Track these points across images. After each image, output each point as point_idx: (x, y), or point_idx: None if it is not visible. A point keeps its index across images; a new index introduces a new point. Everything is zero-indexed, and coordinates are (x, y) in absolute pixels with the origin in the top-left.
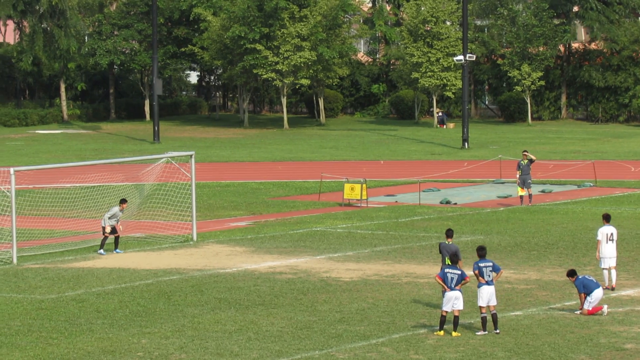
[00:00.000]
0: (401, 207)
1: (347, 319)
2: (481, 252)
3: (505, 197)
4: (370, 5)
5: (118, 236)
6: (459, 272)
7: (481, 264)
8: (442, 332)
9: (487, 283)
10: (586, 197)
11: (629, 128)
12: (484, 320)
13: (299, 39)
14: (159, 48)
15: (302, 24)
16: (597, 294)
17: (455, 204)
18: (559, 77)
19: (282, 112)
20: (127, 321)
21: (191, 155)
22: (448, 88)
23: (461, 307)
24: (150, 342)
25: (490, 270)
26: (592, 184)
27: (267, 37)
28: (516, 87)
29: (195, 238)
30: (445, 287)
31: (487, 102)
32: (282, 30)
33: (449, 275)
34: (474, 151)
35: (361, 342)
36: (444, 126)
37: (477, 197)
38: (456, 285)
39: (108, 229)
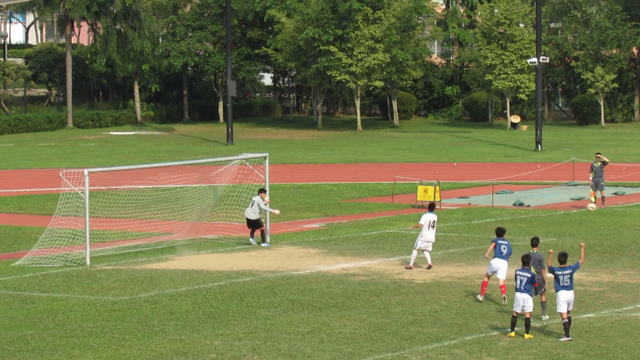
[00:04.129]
0: (474, 209)
1: (420, 321)
2: (561, 258)
3: (578, 200)
4: (443, 7)
5: (263, 230)
6: (529, 275)
7: (558, 271)
8: (513, 334)
9: (565, 287)
10: None
11: None
12: (565, 325)
13: (373, 41)
14: (233, 50)
15: (376, 25)
16: None
17: (529, 206)
18: (632, 80)
19: (356, 113)
20: (199, 323)
21: (265, 157)
22: (521, 90)
23: (531, 310)
24: (223, 343)
25: (568, 277)
26: None
27: (340, 38)
28: (589, 89)
29: (268, 240)
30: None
31: (560, 105)
32: (356, 32)
33: (518, 277)
34: (547, 153)
35: (433, 344)
36: (517, 129)
37: (550, 200)
38: (526, 286)
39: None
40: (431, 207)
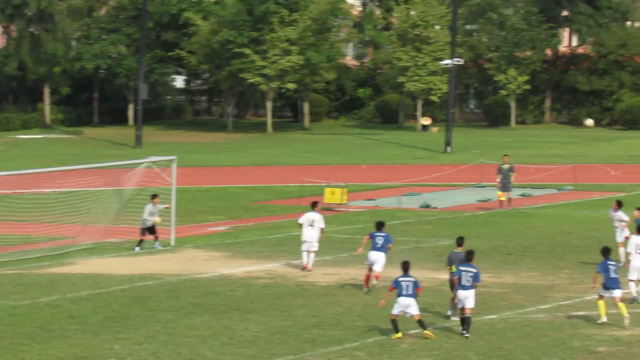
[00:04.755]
0: (381, 211)
1: (322, 324)
2: (468, 256)
3: (485, 201)
4: (360, 9)
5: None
6: (414, 280)
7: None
8: (400, 334)
9: (465, 287)
10: (565, 201)
11: (612, 132)
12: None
13: (288, 43)
14: (147, 52)
15: (292, 28)
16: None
17: (435, 207)
18: (545, 81)
19: (267, 116)
20: (100, 327)
21: (172, 160)
22: (433, 92)
23: (415, 313)
24: (123, 347)
25: (470, 276)
26: (571, 188)
27: (255, 41)
28: (501, 91)
29: (173, 243)
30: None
31: (471, 106)
32: (271, 34)
33: (403, 284)
34: (456, 155)
35: (335, 347)
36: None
37: (457, 201)
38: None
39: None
40: (313, 205)
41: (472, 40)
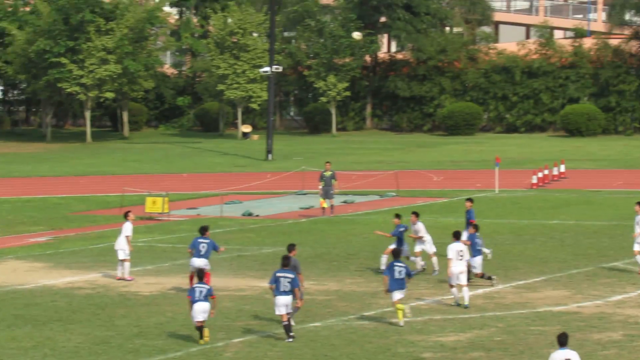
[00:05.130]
0: (203, 220)
1: (145, 333)
2: (284, 261)
3: (307, 209)
4: (177, 17)
5: None
6: (208, 287)
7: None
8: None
9: (284, 293)
10: (388, 207)
11: (433, 137)
12: (286, 327)
13: (105, 52)
14: None
15: (109, 37)
16: None
17: (257, 215)
18: (365, 88)
19: (86, 125)
20: None
21: None
22: (253, 100)
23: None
24: None
25: (288, 282)
26: (394, 194)
27: (72, 50)
28: (321, 98)
29: None
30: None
31: (292, 114)
32: (88, 43)
33: (197, 290)
34: (278, 163)
35: (158, 356)
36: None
37: (279, 209)
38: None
39: None
40: (125, 215)
41: (291, 47)
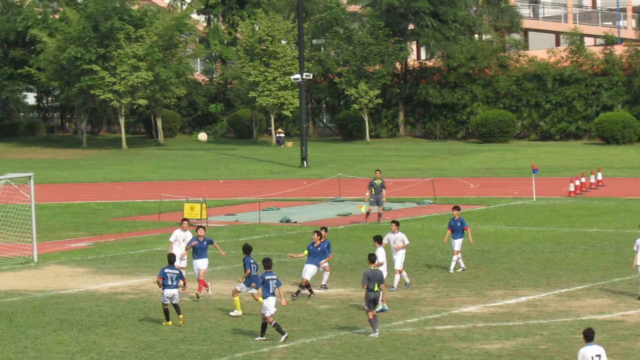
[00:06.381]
0: (241, 226)
1: (190, 339)
2: (266, 263)
3: (345, 215)
4: (205, 24)
5: None
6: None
7: (267, 277)
8: (170, 322)
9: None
10: (426, 215)
11: (467, 145)
12: (263, 326)
13: (136, 59)
14: None
15: (138, 44)
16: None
17: (295, 222)
18: (396, 95)
19: (120, 132)
20: None
21: (30, 177)
22: (286, 107)
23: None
24: None
25: (275, 283)
26: (431, 201)
27: (103, 57)
28: (353, 105)
29: (36, 259)
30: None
31: (324, 121)
32: (119, 50)
33: (168, 275)
34: (313, 170)
35: None
36: (282, 146)
37: (316, 216)
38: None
39: None
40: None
41: (320, 55)
